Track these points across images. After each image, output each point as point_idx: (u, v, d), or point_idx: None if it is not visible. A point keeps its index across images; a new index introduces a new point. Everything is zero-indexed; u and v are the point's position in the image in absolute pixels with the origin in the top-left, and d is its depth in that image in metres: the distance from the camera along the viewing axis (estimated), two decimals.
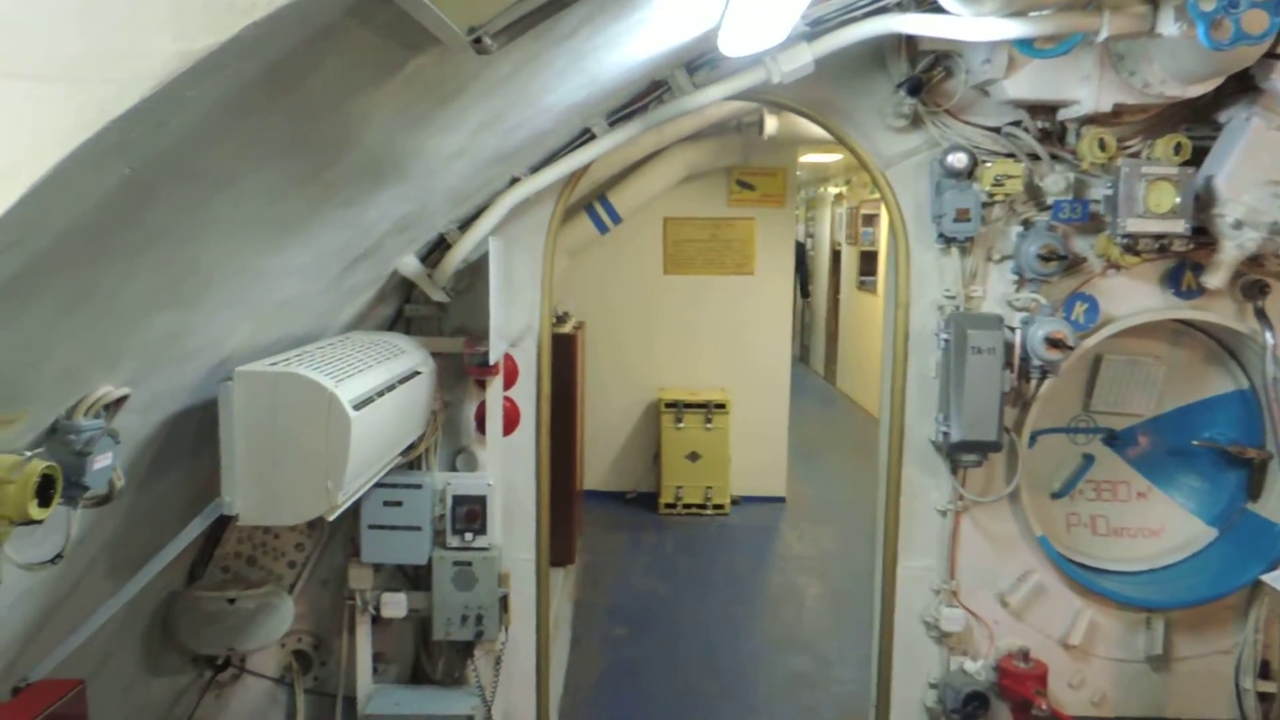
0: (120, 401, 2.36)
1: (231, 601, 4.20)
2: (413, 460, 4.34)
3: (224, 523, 4.06)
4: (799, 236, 16.43)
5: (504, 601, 4.44)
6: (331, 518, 3.11)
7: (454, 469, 4.53)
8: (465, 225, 4.17)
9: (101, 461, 2.28)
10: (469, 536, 4.35)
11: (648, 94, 4.04)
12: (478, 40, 1.82)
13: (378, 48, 1.75)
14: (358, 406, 3.04)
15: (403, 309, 4.41)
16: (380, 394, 3.33)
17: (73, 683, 2.97)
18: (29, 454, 2.07)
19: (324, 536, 4.52)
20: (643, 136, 4.75)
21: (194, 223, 1.94)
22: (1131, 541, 4.88)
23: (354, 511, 4.19)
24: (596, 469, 9.41)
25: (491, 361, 4.20)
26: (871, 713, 4.81)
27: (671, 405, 9.03)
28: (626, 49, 3.08)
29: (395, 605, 4.42)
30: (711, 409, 9.00)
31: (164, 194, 1.71)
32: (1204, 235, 4.07)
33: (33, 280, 1.56)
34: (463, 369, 4.39)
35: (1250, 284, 4.30)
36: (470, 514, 4.34)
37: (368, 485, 3.53)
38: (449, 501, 4.33)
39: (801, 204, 18.04)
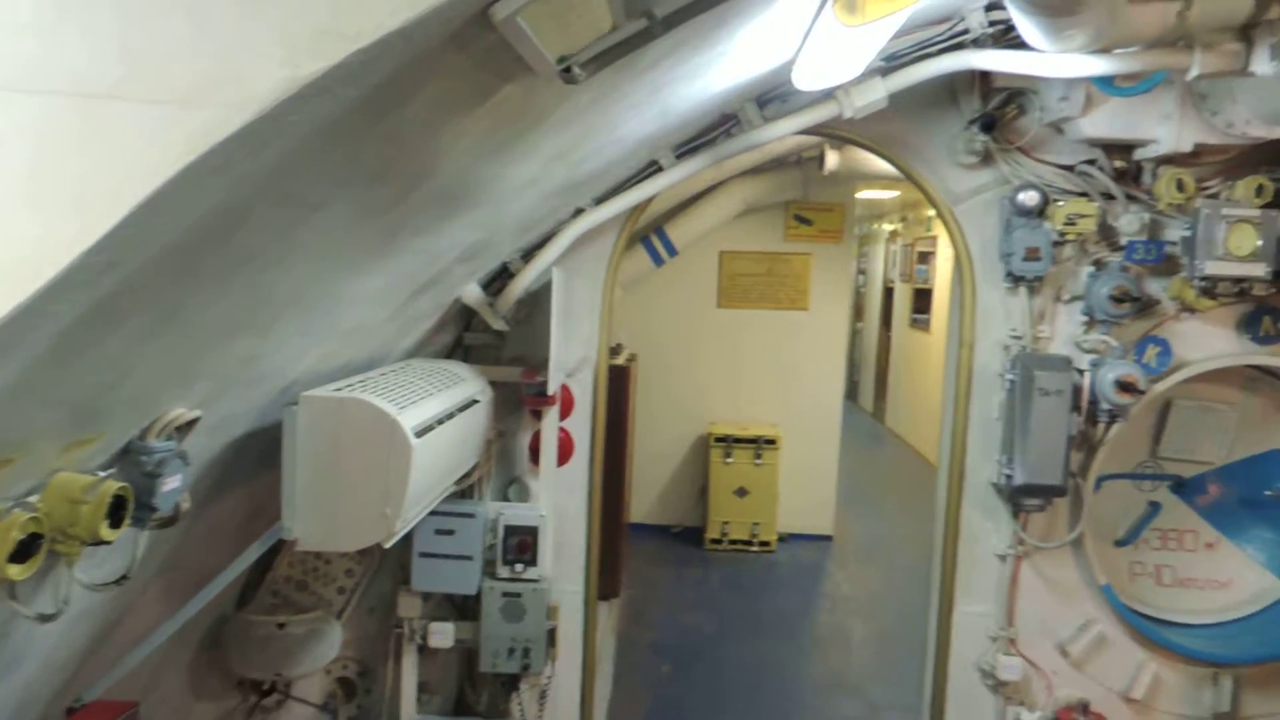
0: (191, 424, 2.35)
1: (281, 626, 4.19)
2: (465, 489, 4.31)
3: (276, 547, 4.06)
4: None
5: (551, 634, 4.39)
6: (388, 545, 3.09)
7: (506, 499, 4.50)
8: (528, 255, 4.17)
9: (171, 483, 2.27)
10: (519, 567, 4.31)
11: (716, 127, 4.02)
12: (567, 70, 1.81)
13: (471, 75, 1.74)
14: (419, 434, 3.03)
15: (461, 337, 4.41)
16: (440, 422, 3.32)
17: (127, 704, 2.96)
18: (102, 474, 2.07)
19: (374, 563, 4.50)
20: (703, 170, 4.74)
21: (281, 248, 1.94)
22: (1199, 593, 4.73)
23: (404, 539, 4.16)
24: (643, 502, 9.34)
25: (550, 392, 4.18)
26: None
27: (721, 440, 8.96)
28: (702, 81, 3.06)
29: (442, 635, 4.39)
30: (762, 445, 8.91)
31: (256, 219, 1.71)
32: None
33: (124, 302, 1.56)
34: (518, 398, 4.38)
35: None
36: (521, 545, 4.31)
37: (424, 513, 3.51)
38: (500, 531, 4.30)
39: (854, 240, 17.94)
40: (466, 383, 3.89)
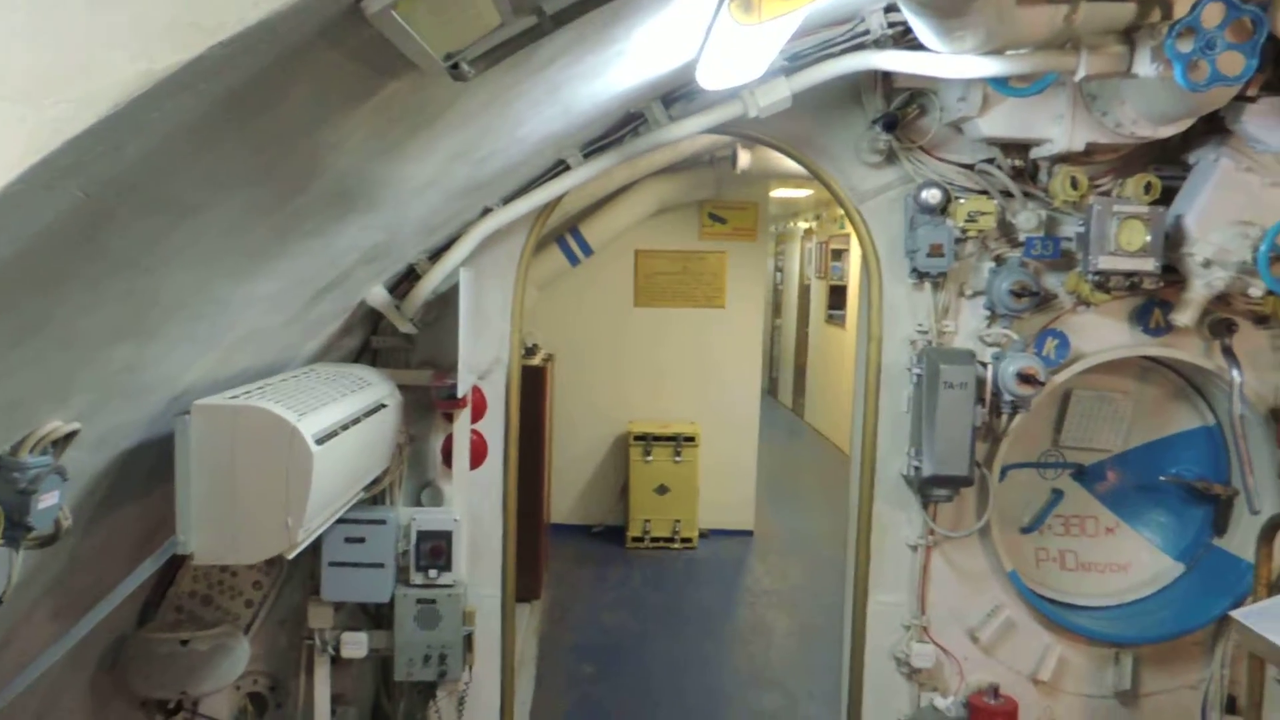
0: (70, 437, 2.24)
1: (185, 643, 4.04)
2: (376, 495, 4.23)
3: (178, 561, 3.93)
4: (767, 270, 16.55)
5: (468, 640, 4.32)
6: (291, 556, 3.00)
7: (419, 504, 4.43)
8: (435, 256, 4.10)
9: (47, 500, 2.16)
10: (433, 573, 4.24)
11: (623, 126, 4.01)
12: (455, 66, 1.77)
13: (350, 72, 1.69)
14: (321, 441, 2.95)
15: (369, 340, 4.33)
16: (345, 427, 3.24)
17: None
18: None
19: (282, 574, 4.38)
20: (616, 169, 4.73)
21: (157, 252, 1.85)
22: (1100, 577, 4.89)
23: (314, 548, 4.07)
24: (563, 502, 9.30)
25: (460, 394, 4.12)
26: None
27: (640, 438, 8.96)
28: (603, 80, 3.04)
29: (356, 645, 4.28)
30: (681, 442, 8.94)
31: (124, 222, 1.62)
32: (1173, 273, 4.11)
33: None
34: (429, 402, 4.31)
35: (1217, 322, 4.34)
36: (435, 550, 4.24)
37: (329, 522, 3.42)
38: (413, 537, 4.23)
39: (771, 238, 18.16)
40: (374, 387, 3.81)
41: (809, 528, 9.78)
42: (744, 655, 6.92)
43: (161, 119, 1.30)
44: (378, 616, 4.39)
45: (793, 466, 12.41)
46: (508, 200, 4.09)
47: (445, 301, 4.22)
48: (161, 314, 2.22)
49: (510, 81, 2.30)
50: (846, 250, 12.76)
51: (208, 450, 2.79)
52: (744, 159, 7.50)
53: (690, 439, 8.97)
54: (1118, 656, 4.62)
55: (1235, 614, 3.78)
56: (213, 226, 1.95)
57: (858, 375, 4.66)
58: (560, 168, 4.09)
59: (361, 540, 4.14)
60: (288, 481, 2.84)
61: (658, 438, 8.95)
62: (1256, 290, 3.89)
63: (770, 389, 17.61)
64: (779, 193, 11.03)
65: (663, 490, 8.99)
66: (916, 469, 4.30)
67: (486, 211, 4.09)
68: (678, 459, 8.94)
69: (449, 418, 4.36)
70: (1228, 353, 4.36)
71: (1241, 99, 3.59)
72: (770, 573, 8.71)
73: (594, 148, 4.05)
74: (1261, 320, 4.37)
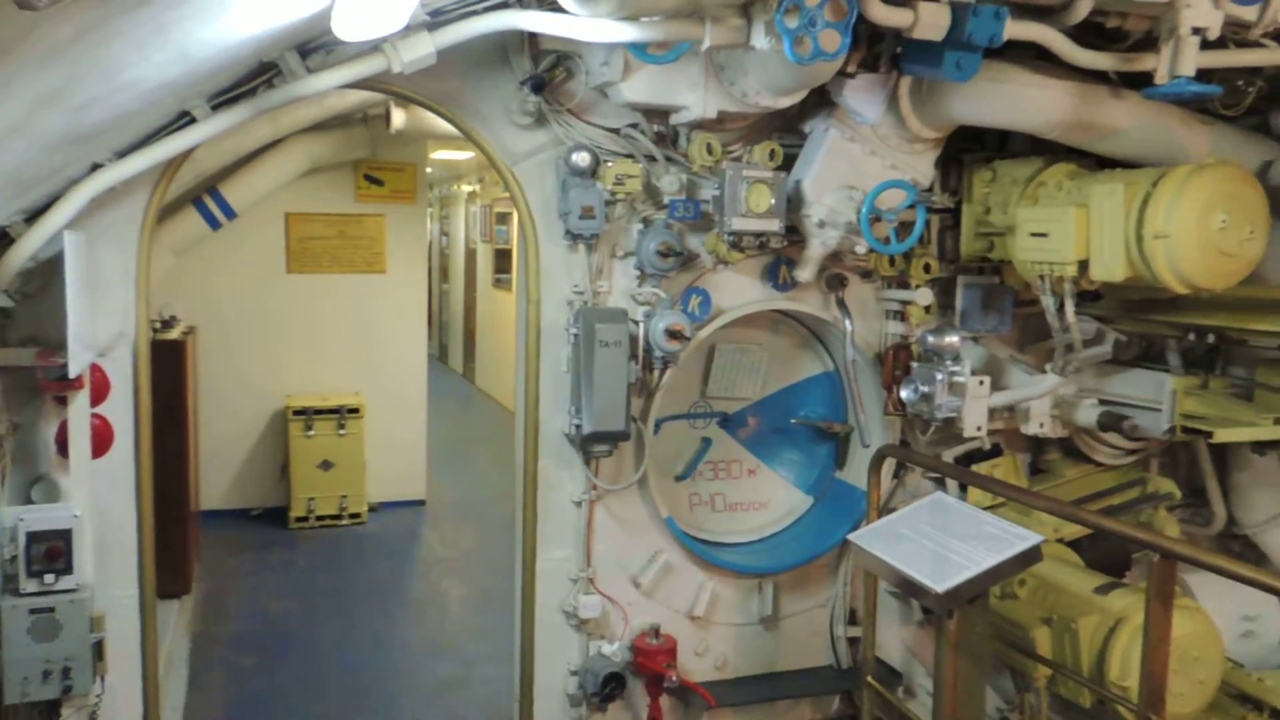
0: None
1: None
2: None
3: None
4: (432, 234, 16.30)
5: (98, 648, 3.88)
6: None
7: (29, 501, 3.88)
8: (34, 217, 3.57)
9: None
10: (50, 578, 3.75)
11: (256, 76, 3.69)
12: None
13: None
14: None
15: None
16: None
17: None
18: None
19: None
20: (255, 124, 4.39)
21: None
22: (745, 515, 5.32)
23: None
24: (216, 486, 8.66)
25: (72, 374, 3.63)
26: (516, 708, 4.82)
27: (300, 412, 8.56)
28: (223, 23, 2.77)
29: None
30: (344, 414, 8.65)
31: None
32: (795, 233, 4.51)
33: None
34: (36, 384, 3.77)
35: (832, 277, 4.84)
36: (51, 552, 3.74)
37: None
38: (22, 540, 3.70)
39: (435, 202, 17.84)
40: None
41: (482, 492, 9.82)
42: (418, 627, 6.83)
43: None
44: None
45: (465, 432, 12.40)
46: (123, 155, 3.64)
47: (52, 269, 3.70)
48: None
49: (101, 16, 2.03)
50: (511, 214, 12.85)
51: None
52: (399, 118, 7.28)
53: (355, 410, 8.70)
54: (761, 586, 5.06)
55: (851, 537, 4.28)
56: None
57: (518, 337, 4.69)
58: (185, 120, 3.70)
59: None
60: None
61: (319, 411, 8.61)
62: (861, 248, 4.37)
63: (440, 355, 17.43)
64: (440, 154, 10.86)
65: (327, 465, 8.65)
66: (578, 427, 4.41)
67: (96, 167, 3.61)
68: (342, 432, 8.63)
69: (62, 401, 3.84)
70: (841, 304, 4.88)
71: (842, 74, 3.98)
72: (444, 541, 8.67)
73: (223, 99, 3.69)
74: (867, 275, 4.94)
